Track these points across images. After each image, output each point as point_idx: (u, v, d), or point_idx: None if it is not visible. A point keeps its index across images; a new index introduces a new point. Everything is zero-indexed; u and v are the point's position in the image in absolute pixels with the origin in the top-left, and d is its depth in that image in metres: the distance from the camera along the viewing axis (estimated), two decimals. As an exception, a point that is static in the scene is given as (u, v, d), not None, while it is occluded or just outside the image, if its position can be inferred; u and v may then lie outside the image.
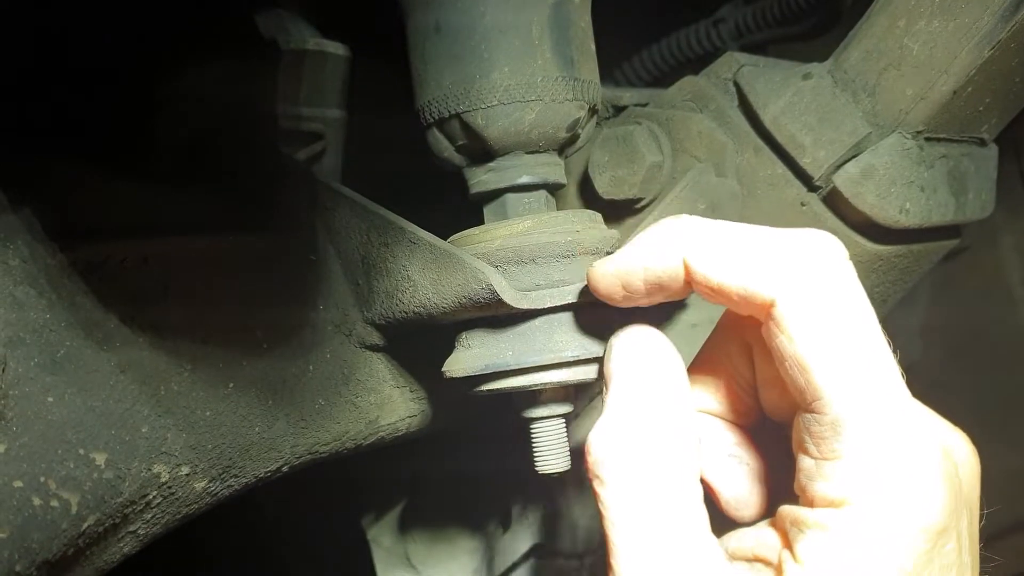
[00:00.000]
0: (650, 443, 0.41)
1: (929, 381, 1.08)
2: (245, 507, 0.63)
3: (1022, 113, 0.67)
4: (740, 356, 0.47)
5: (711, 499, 0.47)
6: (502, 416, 0.65)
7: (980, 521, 0.42)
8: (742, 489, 0.47)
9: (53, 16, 0.56)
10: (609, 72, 1.00)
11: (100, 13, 0.59)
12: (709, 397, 0.48)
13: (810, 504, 0.39)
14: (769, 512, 0.45)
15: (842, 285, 0.39)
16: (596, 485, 0.41)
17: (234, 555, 1.00)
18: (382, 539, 0.88)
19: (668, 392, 0.43)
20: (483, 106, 0.54)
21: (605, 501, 0.41)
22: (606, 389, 0.44)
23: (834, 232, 0.62)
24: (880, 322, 0.39)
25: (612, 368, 0.45)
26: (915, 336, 1.14)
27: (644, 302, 0.46)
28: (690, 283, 0.42)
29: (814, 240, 0.40)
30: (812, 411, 0.39)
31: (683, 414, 0.42)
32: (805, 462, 0.40)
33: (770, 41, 0.92)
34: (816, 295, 0.39)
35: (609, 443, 0.41)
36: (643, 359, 0.44)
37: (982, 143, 0.66)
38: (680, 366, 0.44)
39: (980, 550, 0.42)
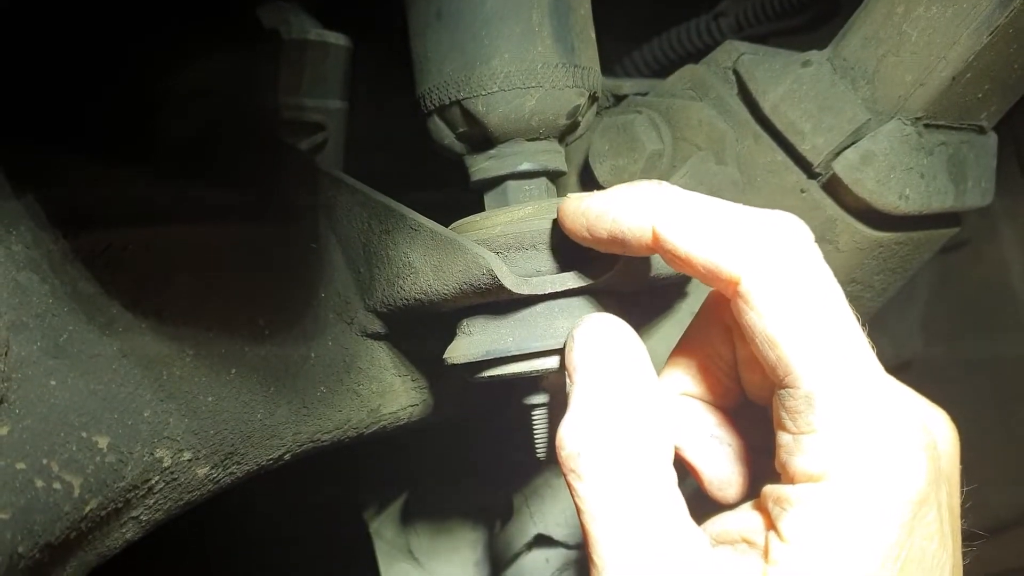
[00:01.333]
0: (620, 433, 0.41)
1: (929, 375, 1.09)
2: (245, 499, 0.63)
3: (1021, 103, 0.67)
4: (721, 338, 0.47)
5: (694, 480, 0.48)
6: (503, 404, 0.65)
7: (961, 497, 0.42)
8: (724, 470, 0.47)
9: (54, 15, 0.56)
10: (610, 67, 1.00)
11: (101, 11, 0.59)
12: (691, 379, 0.48)
13: (791, 480, 0.39)
14: (752, 493, 0.46)
15: (808, 262, 0.40)
16: (571, 479, 0.41)
17: (233, 550, 1.00)
18: (384, 532, 0.88)
19: (634, 380, 0.43)
20: (483, 93, 0.54)
21: (581, 495, 0.40)
22: (570, 381, 0.44)
23: (834, 219, 0.63)
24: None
25: (575, 359, 0.44)
26: (916, 330, 1.13)
27: (601, 249, 0.47)
28: (655, 247, 0.43)
29: (781, 221, 0.41)
30: (786, 386, 0.39)
31: (650, 401, 0.42)
32: (784, 438, 0.40)
33: (770, 34, 0.92)
34: (782, 271, 0.39)
35: (580, 436, 0.41)
36: (605, 348, 0.44)
37: (981, 131, 0.66)
38: (643, 352, 0.44)
39: (963, 527, 0.42)
